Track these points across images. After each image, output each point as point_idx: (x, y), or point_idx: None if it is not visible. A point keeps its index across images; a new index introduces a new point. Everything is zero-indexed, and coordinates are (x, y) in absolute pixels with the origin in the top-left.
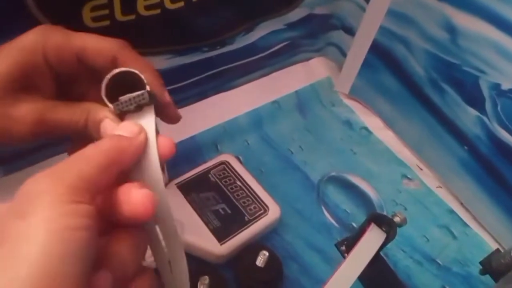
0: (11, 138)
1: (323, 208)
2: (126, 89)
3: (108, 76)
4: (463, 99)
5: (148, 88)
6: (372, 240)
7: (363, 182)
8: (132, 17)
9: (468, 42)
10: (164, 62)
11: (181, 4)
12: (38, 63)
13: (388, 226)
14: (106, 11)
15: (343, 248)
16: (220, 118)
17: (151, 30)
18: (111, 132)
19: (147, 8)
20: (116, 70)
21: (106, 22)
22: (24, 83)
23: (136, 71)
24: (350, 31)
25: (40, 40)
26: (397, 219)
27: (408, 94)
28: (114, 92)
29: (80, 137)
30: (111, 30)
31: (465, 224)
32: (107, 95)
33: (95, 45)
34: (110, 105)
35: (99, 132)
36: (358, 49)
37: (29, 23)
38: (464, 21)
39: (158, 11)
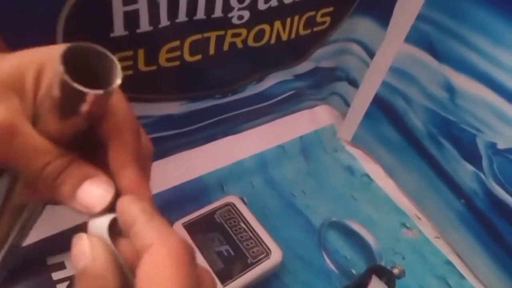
0: None
1: (323, 253)
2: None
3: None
4: (461, 154)
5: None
6: None
7: (363, 229)
8: (154, 67)
9: (466, 102)
10: (178, 107)
11: (199, 57)
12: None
13: (387, 278)
14: (130, 62)
15: None
16: (226, 160)
17: (169, 80)
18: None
19: (168, 60)
20: (82, 44)
21: (130, 72)
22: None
23: (111, 56)
24: (354, 83)
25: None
26: (395, 271)
27: (407, 146)
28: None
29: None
30: (134, 79)
31: (462, 276)
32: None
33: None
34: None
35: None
36: (361, 100)
37: None
38: (463, 82)
39: (178, 63)
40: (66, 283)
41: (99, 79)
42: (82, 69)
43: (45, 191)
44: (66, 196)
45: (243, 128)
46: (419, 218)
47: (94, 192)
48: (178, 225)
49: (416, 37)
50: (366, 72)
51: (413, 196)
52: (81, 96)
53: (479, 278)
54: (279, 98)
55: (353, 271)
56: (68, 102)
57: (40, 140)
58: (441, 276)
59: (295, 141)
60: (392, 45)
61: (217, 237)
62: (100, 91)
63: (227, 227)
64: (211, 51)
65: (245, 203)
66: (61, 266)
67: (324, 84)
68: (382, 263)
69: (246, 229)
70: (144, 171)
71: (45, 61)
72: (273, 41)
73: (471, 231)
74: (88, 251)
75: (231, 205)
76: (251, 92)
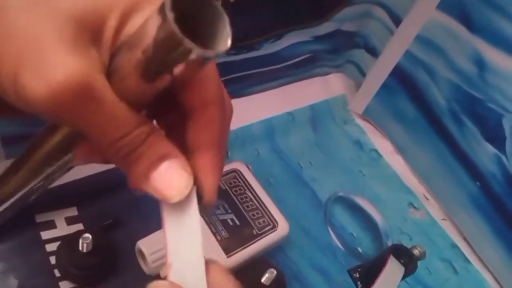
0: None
1: (329, 229)
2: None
3: None
4: (483, 135)
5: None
6: (391, 275)
7: (371, 206)
8: None
9: (496, 79)
10: None
11: (219, 2)
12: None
13: (408, 258)
14: None
15: (357, 275)
16: (233, 124)
17: None
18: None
19: None
20: None
21: None
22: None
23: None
24: (372, 51)
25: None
26: (416, 252)
27: (424, 122)
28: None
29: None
30: None
31: (467, 260)
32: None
33: None
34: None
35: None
36: (379, 70)
37: None
38: (495, 57)
39: None
40: (56, 244)
41: (199, 36)
42: (183, 21)
43: (115, 162)
44: (139, 174)
45: (252, 91)
46: (427, 199)
47: (172, 179)
48: None
49: (449, 5)
50: (388, 39)
51: (423, 175)
52: (184, 54)
53: (485, 263)
54: (294, 60)
55: (359, 249)
56: (164, 59)
57: (119, 106)
58: (446, 259)
59: (305, 109)
60: (423, 11)
61: (221, 204)
62: (210, 52)
63: (232, 195)
64: None
65: (250, 171)
66: (51, 225)
67: (341, 50)
68: (389, 242)
69: (253, 198)
70: (223, 151)
71: (136, 2)
72: None
73: (483, 215)
74: None
75: (237, 171)
76: (267, 51)
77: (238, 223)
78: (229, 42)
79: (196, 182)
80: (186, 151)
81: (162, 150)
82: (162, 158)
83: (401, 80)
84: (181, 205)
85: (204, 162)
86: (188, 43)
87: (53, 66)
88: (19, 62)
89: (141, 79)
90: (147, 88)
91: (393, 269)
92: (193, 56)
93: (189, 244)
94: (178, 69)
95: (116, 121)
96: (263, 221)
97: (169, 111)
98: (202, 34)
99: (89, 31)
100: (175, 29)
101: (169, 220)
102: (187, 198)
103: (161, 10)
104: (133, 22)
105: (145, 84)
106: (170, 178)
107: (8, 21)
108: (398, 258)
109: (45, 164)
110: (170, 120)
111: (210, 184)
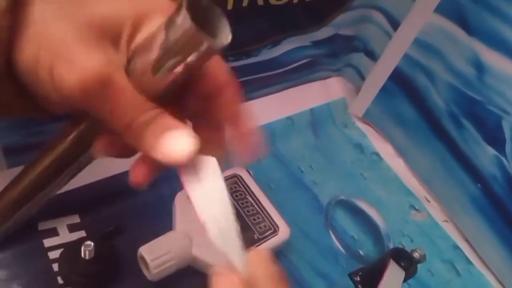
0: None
1: (330, 232)
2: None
3: None
4: (483, 137)
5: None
6: (393, 279)
7: (372, 209)
8: None
9: (495, 81)
10: None
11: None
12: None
13: (408, 262)
14: None
15: (358, 279)
16: None
17: None
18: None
19: None
20: None
21: None
22: (113, 36)
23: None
24: (371, 55)
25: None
26: (416, 255)
27: (423, 125)
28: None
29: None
30: None
31: (469, 262)
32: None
33: (153, 4)
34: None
35: (141, 139)
36: (378, 73)
37: None
38: (494, 59)
39: None
40: (59, 251)
41: (206, 32)
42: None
43: (130, 140)
44: (149, 145)
45: (251, 96)
46: (428, 201)
47: (176, 142)
48: (182, 195)
49: (447, 8)
50: (386, 43)
51: (424, 177)
52: (197, 44)
53: (487, 264)
54: (293, 65)
55: (361, 252)
56: (180, 51)
57: (134, 94)
58: (448, 261)
59: (304, 114)
60: (420, 15)
61: None
62: (217, 42)
63: (233, 200)
64: (229, 5)
65: (251, 176)
66: (53, 232)
67: (340, 54)
68: (391, 245)
69: (253, 203)
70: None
71: (147, 10)
72: (295, 0)
73: (484, 217)
74: None
75: (237, 177)
76: (265, 57)
77: (239, 228)
78: (229, 37)
79: (237, 149)
80: (215, 129)
81: (168, 123)
82: (168, 128)
83: (400, 83)
84: (203, 173)
85: (238, 130)
86: (202, 34)
87: (83, 60)
88: (55, 57)
89: (154, 75)
90: (160, 82)
91: (394, 273)
92: (203, 47)
93: (218, 204)
94: (191, 59)
95: (132, 107)
96: (264, 226)
97: (190, 102)
98: (208, 32)
99: (108, 37)
100: (192, 24)
101: (193, 189)
102: (207, 166)
103: (177, 11)
104: (143, 31)
105: (158, 79)
106: (175, 142)
107: (44, 29)
108: (398, 261)
109: (65, 162)
110: (193, 108)
111: (248, 146)
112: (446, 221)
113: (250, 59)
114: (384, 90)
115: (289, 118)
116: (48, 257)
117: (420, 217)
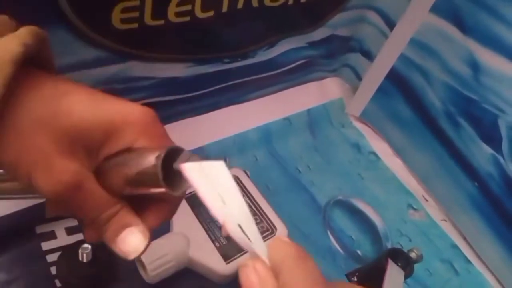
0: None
1: (328, 232)
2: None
3: (162, 154)
4: (479, 135)
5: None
6: (394, 279)
7: (370, 208)
8: (161, 22)
9: (490, 80)
10: (184, 70)
11: (211, 13)
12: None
13: (405, 262)
14: (136, 14)
15: (355, 279)
16: (230, 131)
17: (177, 37)
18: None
19: (178, 14)
20: (170, 147)
21: (135, 25)
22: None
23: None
24: (368, 55)
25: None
26: (413, 255)
27: (420, 124)
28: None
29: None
30: (138, 34)
31: (468, 261)
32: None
33: (123, 117)
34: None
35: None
36: (375, 73)
37: (61, 22)
38: (489, 58)
39: (188, 18)
40: (57, 254)
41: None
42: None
43: (95, 232)
44: (109, 239)
45: (249, 98)
46: (426, 200)
47: (130, 241)
48: None
49: (442, 7)
50: (382, 43)
51: (421, 177)
52: (158, 188)
53: (486, 263)
54: (289, 66)
55: (359, 252)
56: (143, 184)
57: (100, 195)
58: (447, 260)
59: (302, 114)
60: (416, 15)
61: None
62: (175, 193)
63: None
64: (224, 8)
65: (248, 177)
66: (51, 235)
67: (337, 54)
68: (389, 245)
69: (251, 204)
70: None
71: (120, 119)
72: (290, 1)
73: (482, 215)
74: None
75: (235, 178)
76: (261, 58)
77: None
78: (185, 190)
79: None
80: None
81: (125, 222)
82: (125, 226)
83: (397, 83)
84: (213, 176)
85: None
86: (164, 185)
87: (58, 171)
88: (34, 165)
89: (122, 184)
90: (127, 190)
91: (394, 274)
92: (163, 190)
93: (232, 202)
94: (148, 192)
95: (98, 204)
96: (262, 227)
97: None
98: (170, 179)
99: (81, 145)
100: (163, 182)
101: (206, 192)
102: (217, 169)
103: (157, 162)
104: (112, 144)
105: (124, 187)
106: (129, 240)
107: (23, 140)
108: (395, 261)
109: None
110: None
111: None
112: (444, 220)
113: (247, 61)
114: (380, 90)
115: (286, 119)
116: (46, 260)
117: (418, 216)
